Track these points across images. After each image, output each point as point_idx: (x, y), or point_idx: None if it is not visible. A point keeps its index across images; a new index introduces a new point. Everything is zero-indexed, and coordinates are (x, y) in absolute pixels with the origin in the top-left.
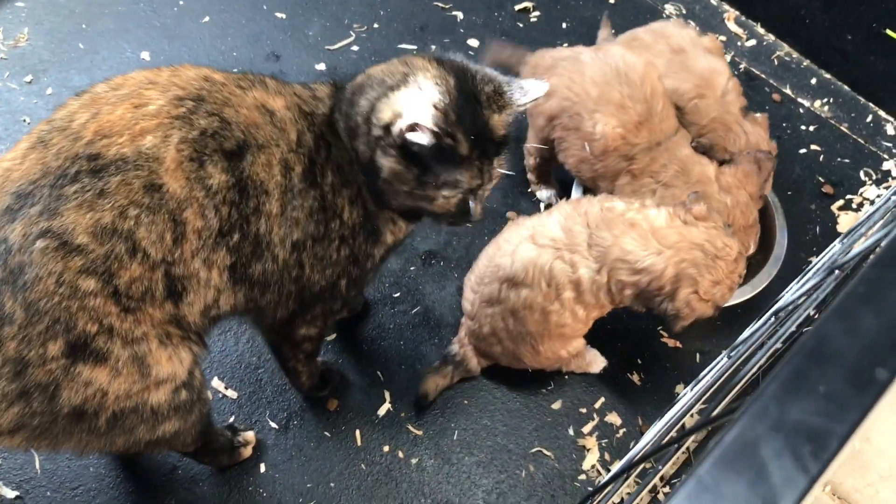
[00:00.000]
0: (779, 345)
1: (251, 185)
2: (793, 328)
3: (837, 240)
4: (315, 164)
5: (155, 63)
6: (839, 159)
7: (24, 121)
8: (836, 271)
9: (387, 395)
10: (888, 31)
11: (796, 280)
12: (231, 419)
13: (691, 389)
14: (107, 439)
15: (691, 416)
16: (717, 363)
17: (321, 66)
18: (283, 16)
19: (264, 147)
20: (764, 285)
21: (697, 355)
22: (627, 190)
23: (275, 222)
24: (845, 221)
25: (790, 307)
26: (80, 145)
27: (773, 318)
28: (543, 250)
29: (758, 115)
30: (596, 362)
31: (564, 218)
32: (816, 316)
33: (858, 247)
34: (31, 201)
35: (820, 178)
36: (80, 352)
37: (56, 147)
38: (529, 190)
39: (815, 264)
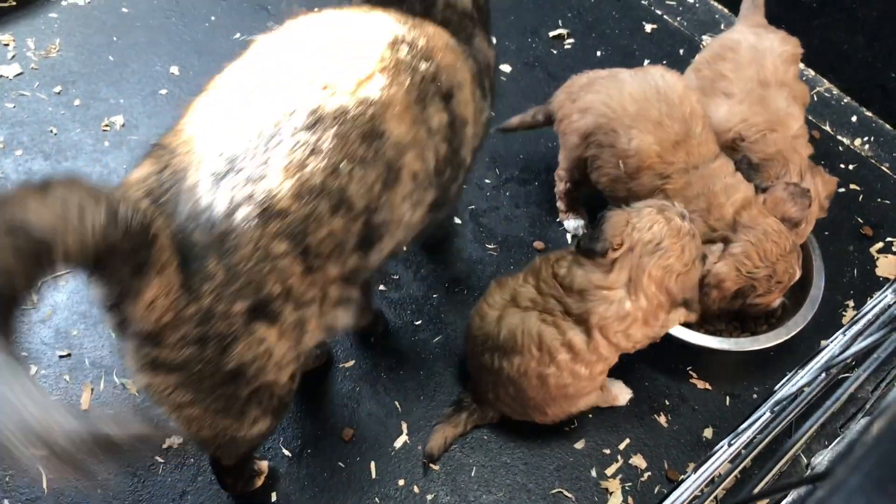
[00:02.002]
0: (836, 406)
1: (459, 120)
2: (855, 385)
3: (890, 289)
4: (479, 80)
5: (184, 78)
6: (879, 200)
7: (51, 131)
8: None
9: (404, 426)
10: None
11: (842, 330)
12: None
13: (729, 444)
14: (222, 418)
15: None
16: (760, 417)
17: None
18: None
19: (462, 85)
20: (799, 328)
21: (727, 398)
22: None
23: (469, 143)
24: (884, 265)
25: (841, 363)
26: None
27: (823, 374)
28: (528, 314)
29: (828, 174)
30: (622, 395)
31: (535, 279)
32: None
33: None
34: (238, 166)
35: (859, 219)
36: (260, 311)
37: (268, 103)
38: (558, 220)
39: (864, 314)
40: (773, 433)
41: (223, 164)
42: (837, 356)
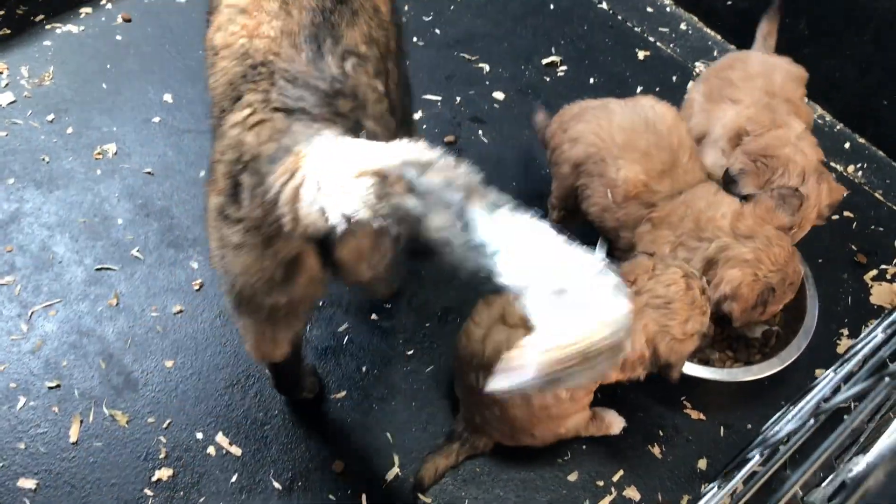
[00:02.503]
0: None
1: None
2: (844, 435)
3: (879, 327)
4: None
5: (177, 106)
6: (873, 227)
7: (44, 159)
8: (887, 378)
9: (396, 458)
10: None
11: (833, 368)
12: (234, 477)
13: (719, 488)
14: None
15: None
16: (749, 459)
17: None
18: None
19: None
20: (793, 358)
21: (722, 428)
22: (647, 239)
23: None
24: (879, 293)
25: (831, 409)
26: None
27: (812, 420)
28: (514, 331)
29: (836, 182)
30: (615, 423)
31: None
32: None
33: None
34: (320, 39)
35: (853, 247)
36: None
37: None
38: None
39: (855, 352)
40: (770, 472)
41: (310, 44)
42: (828, 399)
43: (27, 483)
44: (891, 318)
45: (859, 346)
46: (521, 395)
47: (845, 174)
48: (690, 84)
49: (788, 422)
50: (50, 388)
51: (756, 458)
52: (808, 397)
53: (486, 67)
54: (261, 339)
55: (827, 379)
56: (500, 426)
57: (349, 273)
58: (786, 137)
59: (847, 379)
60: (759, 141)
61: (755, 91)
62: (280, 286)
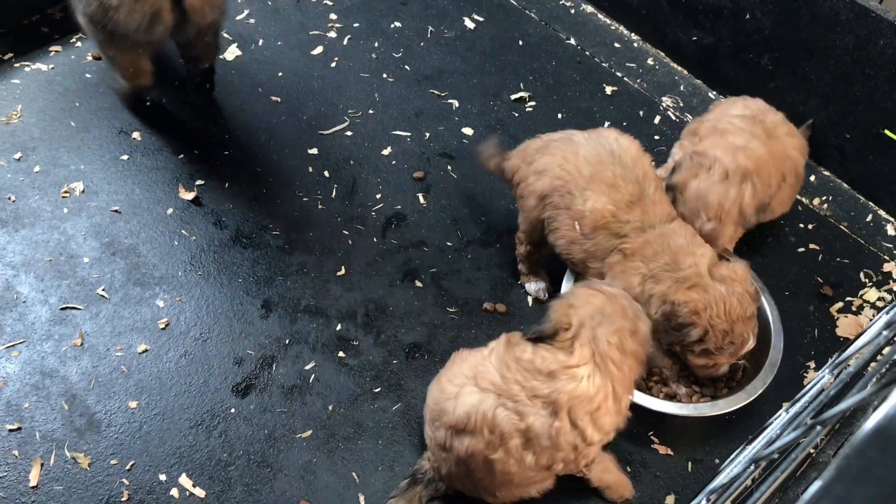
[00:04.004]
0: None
1: None
2: (778, 481)
3: (827, 368)
4: None
5: (146, 144)
6: (838, 259)
7: (10, 198)
8: (818, 427)
9: (361, 499)
10: (887, 132)
11: (785, 407)
12: None
13: None
14: None
15: None
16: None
17: (314, 151)
18: (279, 99)
19: None
20: (759, 392)
21: (689, 464)
22: (617, 269)
23: None
24: (844, 324)
25: (768, 457)
26: None
27: (752, 466)
28: (486, 395)
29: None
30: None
31: (498, 361)
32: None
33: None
34: None
35: (819, 279)
36: None
37: None
38: (520, 282)
39: (803, 396)
40: None
41: None
42: (765, 449)
43: None
44: (835, 360)
45: (808, 385)
46: (485, 459)
47: (811, 206)
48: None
49: (735, 466)
50: (10, 430)
51: (703, 502)
52: (755, 441)
53: (456, 103)
54: (130, 72)
55: (778, 420)
56: (464, 482)
57: (196, 16)
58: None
59: (792, 421)
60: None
61: (750, 129)
62: (145, 31)
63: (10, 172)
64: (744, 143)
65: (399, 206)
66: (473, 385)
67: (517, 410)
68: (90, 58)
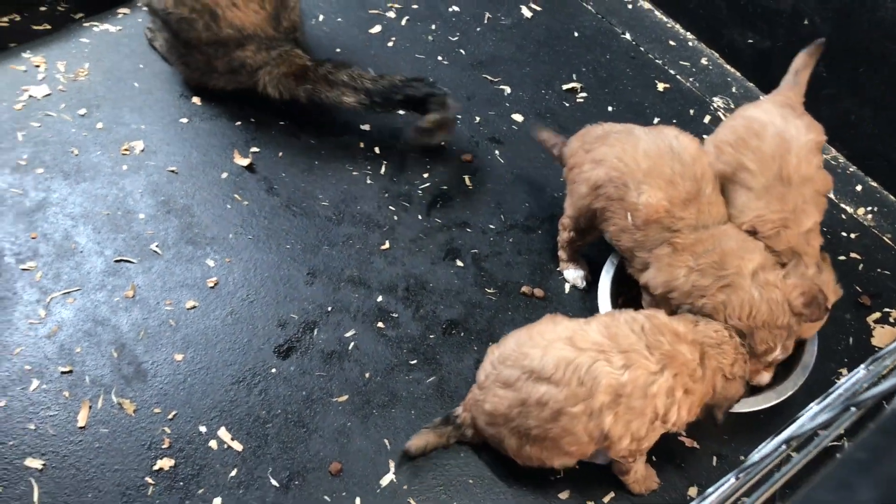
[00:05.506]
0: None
1: None
2: (805, 460)
3: (863, 365)
4: None
5: (205, 109)
6: (879, 270)
7: (73, 152)
8: (853, 408)
9: (391, 464)
10: None
11: (817, 400)
12: (233, 472)
13: None
14: None
15: None
16: (726, 482)
17: (366, 127)
18: None
19: None
20: (789, 393)
21: (714, 458)
22: (664, 261)
23: None
24: (881, 335)
25: (803, 436)
26: None
27: (784, 446)
28: (583, 353)
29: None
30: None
31: (605, 327)
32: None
33: (881, 384)
34: None
35: (858, 288)
36: None
37: None
38: (558, 269)
39: (837, 388)
40: (739, 492)
41: None
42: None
43: (34, 463)
44: (875, 355)
45: (843, 380)
46: (555, 411)
47: (855, 216)
48: (709, 141)
49: (763, 447)
50: (62, 372)
51: (731, 480)
52: (788, 427)
53: (508, 90)
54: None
55: (810, 410)
56: (502, 425)
57: None
58: (795, 236)
59: (826, 407)
60: (769, 242)
61: (769, 178)
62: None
63: (74, 127)
64: (813, 223)
65: (445, 187)
66: (568, 343)
67: (626, 362)
68: None
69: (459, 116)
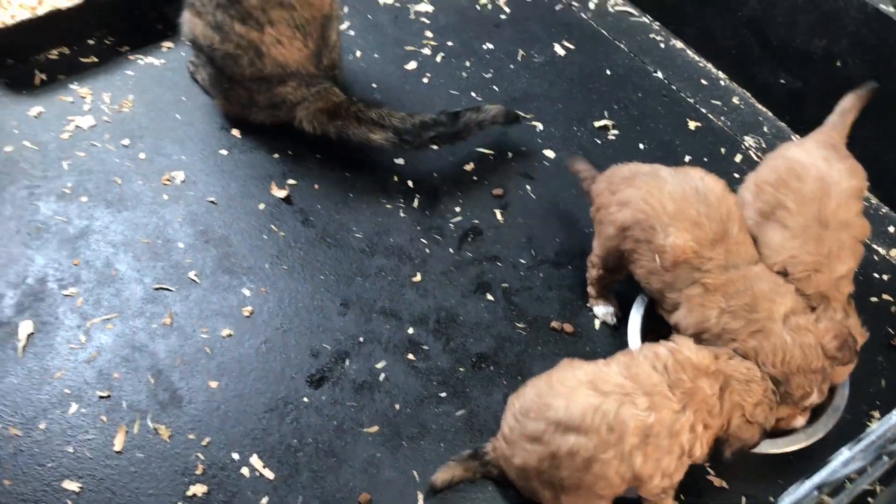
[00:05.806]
0: None
1: None
2: None
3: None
4: None
5: (244, 142)
6: None
7: (116, 181)
8: (885, 457)
9: (420, 497)
10: None
11: (849, 444)
12: (264, 500)
13: None
14: None
15: None
16: None
17: (400, 161)
18: None
19: None
20: (820, 436)
21: (743, 499)
22: (696, 301)
23: None
24: None
25: (835, 483)
26: None
27: (816, 492)
28: (608, 397)
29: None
30: None
31: (626, 368)
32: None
33: None
34: None
35: (890, 330)
36: None
37: None
38: (588, 305)
39: (870, 434)
40: None
41: None
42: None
43: (71, 485)
44: None
45: (876, 426)
46: (587, 459)
47: (887, 257)
48: (749, 181)
49: (793, 490)
50: (101, 397)
51: None
52: (819, 472)
53: (540, 126)
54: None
55: (842, 455)
56: (534, 479)
57: None
58: (826, 282)
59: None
60: (799, 285)
61: (807, 218)
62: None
63: (117, 157)
64: (847, 269)
65: (476, 221)
66: (591, 389)
67: (651, 404)
68: None
69: (493, 151)
